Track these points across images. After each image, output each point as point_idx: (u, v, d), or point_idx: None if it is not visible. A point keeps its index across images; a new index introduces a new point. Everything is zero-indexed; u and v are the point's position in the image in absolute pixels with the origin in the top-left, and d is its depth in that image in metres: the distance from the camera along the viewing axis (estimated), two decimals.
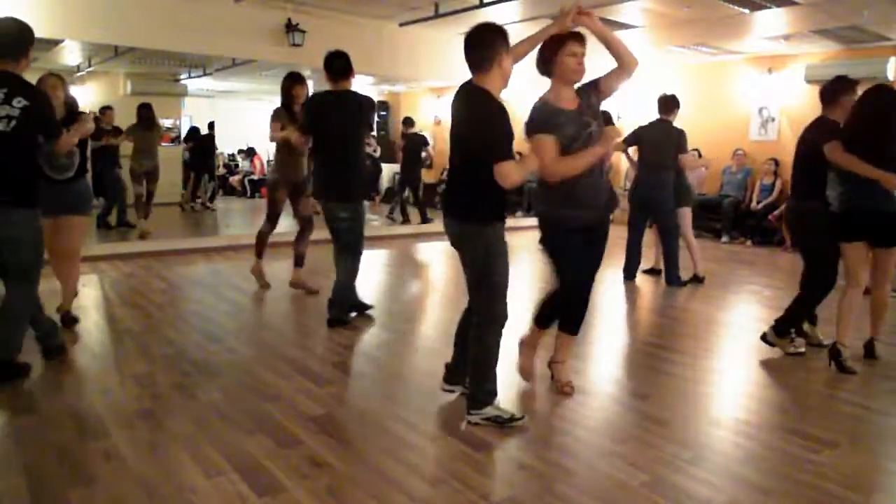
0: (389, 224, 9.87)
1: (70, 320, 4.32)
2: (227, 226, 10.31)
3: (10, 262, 3.33)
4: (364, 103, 4.48)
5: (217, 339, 4.20)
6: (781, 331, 4.04)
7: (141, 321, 4.59)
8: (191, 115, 13.04)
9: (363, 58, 8.37)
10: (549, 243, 3.24)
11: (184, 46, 7.53)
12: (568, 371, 3.44)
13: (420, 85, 13.01)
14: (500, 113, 2.75)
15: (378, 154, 11.87)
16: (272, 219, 5.43)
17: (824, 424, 3.10)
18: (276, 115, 5.21)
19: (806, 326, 4.26)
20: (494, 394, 2.97)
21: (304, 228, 5.42)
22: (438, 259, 7.89)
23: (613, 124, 5.37)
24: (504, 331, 2.95)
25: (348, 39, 8.12)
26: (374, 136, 11.67)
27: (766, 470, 2.64)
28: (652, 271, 6.45)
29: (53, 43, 7.99)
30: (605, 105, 3.28)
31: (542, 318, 3.45)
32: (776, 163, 8.82)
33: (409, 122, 10.33)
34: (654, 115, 6.05)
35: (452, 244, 3.01)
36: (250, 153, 14.60)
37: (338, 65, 4.35)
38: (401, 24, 8.34)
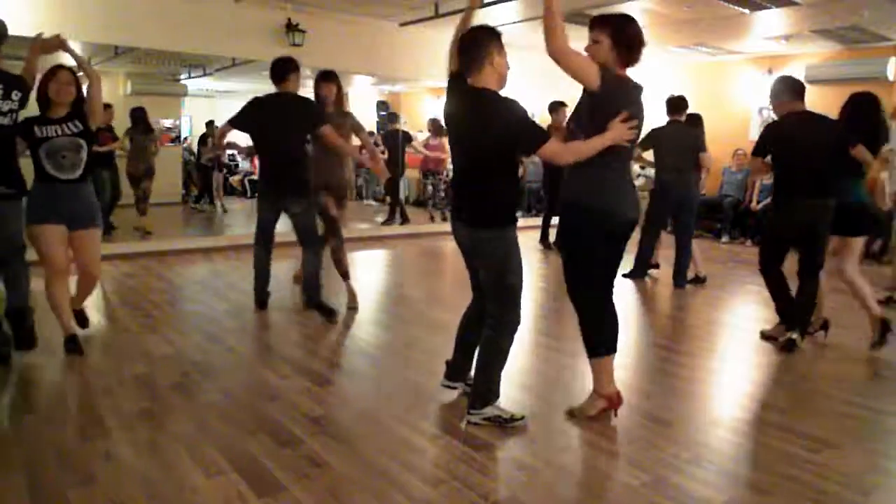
0: (389, 224, 9.86)
1: (82, 319, 4.17)
2: (227, 225, 10.30)
3: None
4: (303, 103, 4.59)
5: (217, 339, 4.20)
6: (804, 327, 4.20)
7: (141, 321, 4.59)
8: (191, 115, 13.02)
9: (363, 58, 8.43)
10: (588, 243, 2.86)
11: (184, 46, 7.53)
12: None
13: (420, 85, 13.00)
14: (517, 103, 2.76)
15: (387, 157, 11.81)
16: (332, 230, 4.83)
17: (824, 424, 3.10)
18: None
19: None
20: (497, 394, 2.97)
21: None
22: (439, 259, 7.89)
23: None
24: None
25: (348, 39, 8.16)
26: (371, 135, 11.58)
27: (766, 470, 2.64)
28: (696, 279, 6.15)
29: None
30: None
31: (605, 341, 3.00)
32: None
33: (393, 117, 10.22)
34: (654, 115, 6.02)
35: (464, 251, 3.00)
36: (250, 153, 14.52)
37: (276, 69, 4.52)
38: (401, 24, 8.34)
